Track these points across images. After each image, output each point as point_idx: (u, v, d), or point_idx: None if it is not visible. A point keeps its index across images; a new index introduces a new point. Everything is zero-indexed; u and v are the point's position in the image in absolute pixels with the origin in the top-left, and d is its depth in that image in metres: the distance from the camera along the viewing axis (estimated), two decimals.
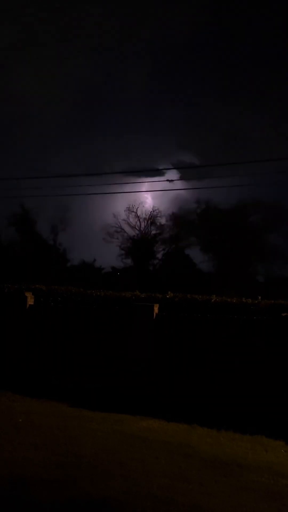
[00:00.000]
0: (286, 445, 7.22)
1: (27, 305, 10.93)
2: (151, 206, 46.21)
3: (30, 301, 11.03)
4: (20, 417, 8.05)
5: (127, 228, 47.82)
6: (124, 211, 45.91)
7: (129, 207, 45.67)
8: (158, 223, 46.69)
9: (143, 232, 46.79)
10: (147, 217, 46.45)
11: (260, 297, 9.46)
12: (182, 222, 45.67)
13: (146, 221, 46.67)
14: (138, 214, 46.73)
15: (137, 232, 47.20)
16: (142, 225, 47.01)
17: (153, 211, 46.13)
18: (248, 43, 55.93)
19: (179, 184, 62.09)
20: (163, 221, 46.68)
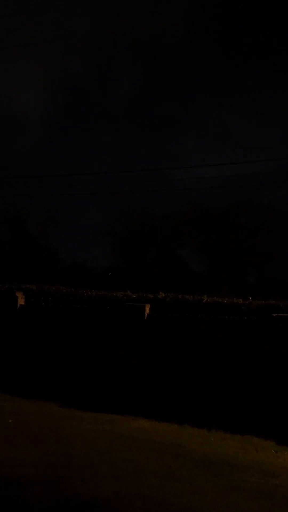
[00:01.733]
0: (277, 445, 7.25)
1: (18, 305, 10.88)
2: (143, 206, 46.22)
3: (21, 301, 10.98)
4: (11, 417, 8.02)
5: (119, 228, 47.83)
6: (116, 210, 45.92)
7: (121, 206, 45.67)
8: (150, 223, 46.72)
9: (135, 232, 46.79)
10: (139, 216, 46.45)
11: (251, 298, 9.49)
12: (175, 222, 45.71)
13: (138, 221, 46.68)
14: (130, 214, 46.74)
15: (129, 232, 47.19)
16: (134, 225, 47.01)
17: (145, 211, 46.15)
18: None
19: (171, 184, 62.15)
20: (155, 221, 46.71)
